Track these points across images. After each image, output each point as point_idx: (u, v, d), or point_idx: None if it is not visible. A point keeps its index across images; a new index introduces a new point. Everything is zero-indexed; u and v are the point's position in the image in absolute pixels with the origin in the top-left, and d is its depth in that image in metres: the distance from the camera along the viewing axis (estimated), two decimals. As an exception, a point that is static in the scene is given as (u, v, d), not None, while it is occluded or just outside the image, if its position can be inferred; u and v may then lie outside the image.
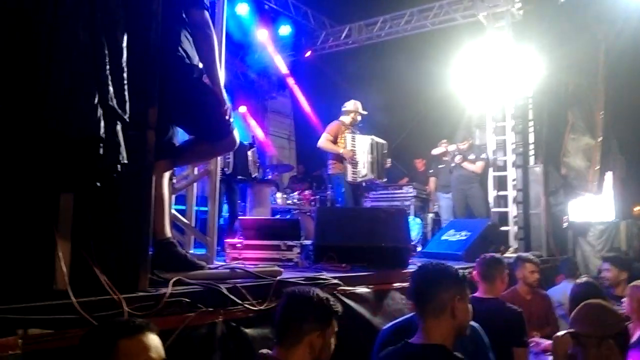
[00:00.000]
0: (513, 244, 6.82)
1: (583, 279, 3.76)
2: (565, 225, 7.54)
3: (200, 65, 2.42)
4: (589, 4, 7.52)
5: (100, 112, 1.65)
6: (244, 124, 10.71)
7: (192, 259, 2.38)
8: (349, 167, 5.67)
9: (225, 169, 5.48)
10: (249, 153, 5.72)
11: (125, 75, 1.80)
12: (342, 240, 3.64)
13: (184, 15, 2.37)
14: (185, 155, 2.50)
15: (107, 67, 1.70)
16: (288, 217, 6.58)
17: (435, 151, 7.67)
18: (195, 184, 2.98)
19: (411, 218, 7.17)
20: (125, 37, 1.82)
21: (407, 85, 8.64)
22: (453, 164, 7.12)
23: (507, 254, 5.66)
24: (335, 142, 5.78)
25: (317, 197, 8.13)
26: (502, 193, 7.16)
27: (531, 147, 7.44)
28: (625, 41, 7.39)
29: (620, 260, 4.56)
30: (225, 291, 2.17)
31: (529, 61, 7.06)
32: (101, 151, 1.66)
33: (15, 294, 1.65)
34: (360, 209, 5.29)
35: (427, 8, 8.26)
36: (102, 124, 1.65)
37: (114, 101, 1.71)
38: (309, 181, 9.19)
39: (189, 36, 2.39)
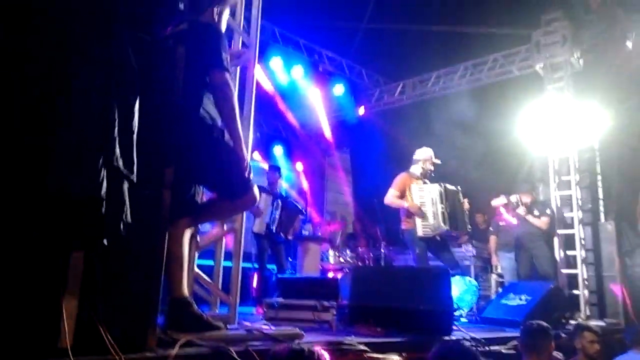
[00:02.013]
0: (584, 310, 6.21)
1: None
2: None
3: (220, 124, 2.48)
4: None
5: (104, 173, 1.70)
6: (299, 181, 10.92)
7: (208, 319, 2.34)
8: (419, 221, 5.20)
9: (272, 226, 5.54)
10: (298, 217, 5.76)
11: (134, 137, 1.87)
12: (378, 302, 3.47)
13: (206, 78, 2.47)
14: (207, 213, 2.53)
15: (116, 129, 1.77)
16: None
17: (495, 202, 7.15)
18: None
19: (467, 279, 6.78)
20: (137, 100, 1.90)
21: (464, 139, 8.44)
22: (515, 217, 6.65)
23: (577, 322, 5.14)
24: (403, 196, 5.36)
25: (372, 255, 7.96)
26: (570, 253, 6.61)
27: (601, 203, 6.90)
28: None
29: None
30: (234, 354, 2.09)
31: (592, 111, 6.70)
32: (103, 211, 1.69)
33: (20, 351, 1.68)
34: (399, 268, 5.06)
35: (482, 62, 8.18)
36: (105, 184, 1.70)
37: (120, 162, 1.76)
38: (365, 238, 9.03)
39: (210, 97, 2.48)
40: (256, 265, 5.72)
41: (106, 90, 1.78)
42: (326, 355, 1.76)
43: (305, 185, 10.38)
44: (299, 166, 10.81)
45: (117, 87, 1.84)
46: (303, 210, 6.36)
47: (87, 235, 1.74)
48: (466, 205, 5.60)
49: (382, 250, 7.72)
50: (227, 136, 2.48)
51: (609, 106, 6.74)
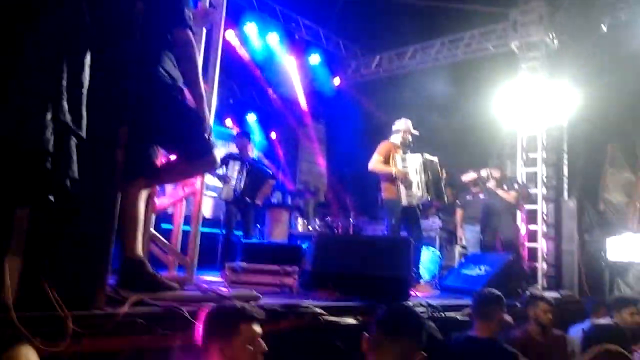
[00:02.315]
0: (541, 282, 6.45)
1: (601, 320, 3.45)
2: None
3: (181, 84, 2.43)
4: (634, 36, 7.18)
5: (50, 126, 1.66)
6: (272, 149, 10.88)
7: (162, 279, 2.35)
8: (403, 190, 5.14)
9: (237, 191, 5.52)
10: (268, 182, 5.73)
11: (84, 91, 1.82)
12: (339, 268, 3.52)
13: (168, 37, 2.40)
14: (165, 174, 2.51)
15: (64, 83, 1.72)
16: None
17: (466, 177, 7.20)
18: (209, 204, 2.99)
19: (431, 250, 6.93)
20: (88, 55, 1.85)
21: (437, 115, 8.49)
22: (484, 190, 6.77)
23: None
24: (387, 162, 5.27)
25: (340, 224, 8.05)
26: (532, 227, 6.82)
27: (565, 180, 7.09)
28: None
29: None
30: (186, 314, 2.11)
31: (564, 91, 6.80)
32: (49, 165, 1.66)
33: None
34: (361, 236, 5.10)
35: (458, 38, 8.18)
36: (52, 138, 1.66)
37: (68, 117, 1.72)
38: (336, 208, 9.12)
39: (171, 57, 2.42)
40: (224, 231, 5.71)
41: (55, 42, 1.73)
42: (260, 312, 1.81)
43: (279, 154, 10.34)
44: (273, 135, 10.75)
45: (67, 41, 1.78)
46: (274, 175, 6.31)
47: (32, 189, 1.71)
48: (444, 175, 5.63)
49: (351, 220, 7.82)
50: (188, 96, 2.44)
51: (580, 86, 6.85)
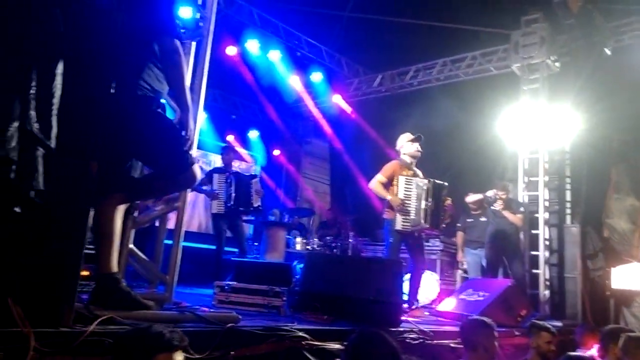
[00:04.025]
0: (543, 309, 6.27)
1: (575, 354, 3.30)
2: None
3: (162, 97, 2.39)
4: (638, 58, 7.12)
5: (17, 136, 1.61)
6: (277, 167, 10.86)
7: (136, 297, 2.27)
8: (399, 215, 4.97)
9: (229, 203, 5.49)
10: (252, 182, 5.71)
11: (55, 101, 1.77)
12: (328, 289, 3.43)
13: (154, 47, 2.36)
14: (144, 190, 2.44)
15: (31, 92, 1.67)
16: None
17: (470, 198, 6.97)
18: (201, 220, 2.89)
19: (430, 274, 6.79)
20: (60, 65, 1.80)
21: (439, 135, 8.42)
22: (489, 212, 6.59)
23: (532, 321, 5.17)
24: (390, 183, 5.10)
25: (339, 244, 7.93)
26: (534, 253, 6.66)
27: (568, 205, 6.96)
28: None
29: None
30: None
31: (566, 114, 6.73)
32: (12, 175, 1.60)
33: None
34: (352, 257, 4.99)
35: (460, 58, 8.16)
36: (17, 147, 1.60)
37: (35, 126, 1.67)
38: (337, 227, 8.99)
39: (154, 69, 2.38)
40: (215, 247, 5.66)
41: (23, 51, 1.68)
42: (183, 338, 1.64)
43: (281, 171, 10.31)
44: (276, 152, 10.72)
45: (37, 49, 1.73)
46: (254, 175, 6.36)
47: (-4, 200, 1.65)
48: (448, 203, 5.48)
49: (351, 240, 7.70)
50: (177, 108, 2.38)
51: (582, 109, 6.78)
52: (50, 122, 1.75)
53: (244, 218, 6.67)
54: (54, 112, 1.77)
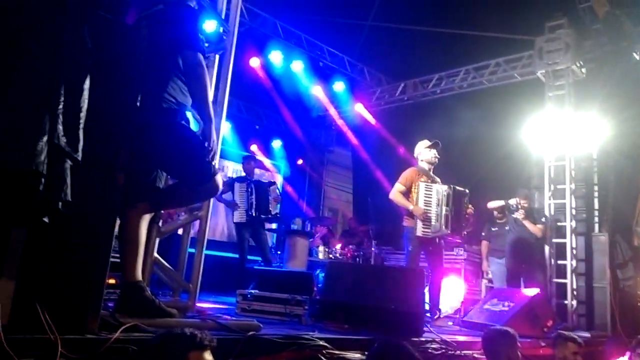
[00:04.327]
0: (571, 320, 6.12)
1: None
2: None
3: (187, 110, 2.46)
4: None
5: (45, 149, 1.68)
6: (300, 176, 10.92)
7: (160, 305, 2.32)
8: (419, 222, 4.98)
9: (250, 211, 5.57)
10: (270, 189, 5.78)
11: (82, 116, 1.84)
12: (349, 298, 3.43)
13: (178, 60, 2.44)
14: (168, 199, 2.51)
15: (60, 107, 1.74)
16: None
17: (492, 204, 6.90)
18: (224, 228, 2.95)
19: (454, 282, 6.72)
20: (88, 79, 1.88)
21: (463, 144, 8.35)
22: (510, 220, 6.51)
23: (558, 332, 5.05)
24: (409, 191, 5.14)
25: (362, 253, 7.91)
26: (561, 262, 6.52)
27: (596, 213, 6.80)
28: None
29: None
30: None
31: (592, 120, 6.60)
32: (41, 187, 1.67)
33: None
34: (373, 266, 4.97)
35: (483, 65, 8.09)
36: (45, 161, 1.68)
37: (63, 140, 1.74)
38: (359, 236, 8.98)
39: (179, 82, 2.45)
40: (238, 256, 5.73)
41: (52, 67, 1.76)
42: (213, 339, 1.74)
43: (305, 180, 10.37)
44: (300, 161, 10.79)
45: (66, 65, 1.81)
46: (272, 182, 6.56)
47: (25, 211, 1.72)
48: (470, 211, 5.43)
49: (373, 249, 7.68)
50: (200, 120, 2.45)
51: (609, 115, 6.63)
52: (77, 136, 1.83)
53: (267, 227, 6.75)
54: (81, 125, 1.84)
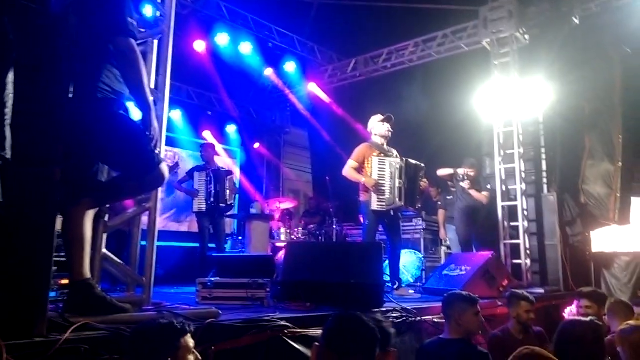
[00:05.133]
0: (526, 278, 6.41)
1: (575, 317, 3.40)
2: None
3: (125, 98, 2.37)
4: (604, 26, 7.21)
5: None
6: (260, 159, 10.83)
7: (112, 301, 2.27)
8: (374, 195, 5.02)
9: (209, 200, 5.51)
10: (227, 179, 5.73)
11: (7, 110, 1.75)
12: (310, 277, 3.46)
13: (111, 48, 2.33)
14: (112, 193, 2.43)
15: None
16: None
17: (442, 172, 6.97)
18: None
19: (411, 252, 6.89)
20: (11, 73, 1.78)
21: (416, 115, 8.46)
22: (460, 188, 6.70)
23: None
24: (362, 166, 5.16)
25: (324, 231, 7.97)
26: (513, 224, 6.78)
27: (544, 175, 7.08)
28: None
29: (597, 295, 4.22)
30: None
31: (538, 86, 6.80)
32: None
33: None
34: (331, 243, 5.02)
35: (431, 37, 8.17)
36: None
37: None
38: (321, 215, 9.02)
39: (114, 70, 2.35)
40: (199, 245, 5.68)
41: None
42: (189, 326, 1.72)
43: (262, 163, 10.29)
44: (256, 145, 10.69)
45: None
46: (229, 171, 6.54)
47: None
48: (424, 184, 5.51)
49: (335, 227, 7.75)
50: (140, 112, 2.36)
51: (554, 80, 6.85)
52: (3, 133, 1.74)
53: (227, 214, 6.70)
54: (7, 122, 1.75)
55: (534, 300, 3.99)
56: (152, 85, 2.92)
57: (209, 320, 2.38)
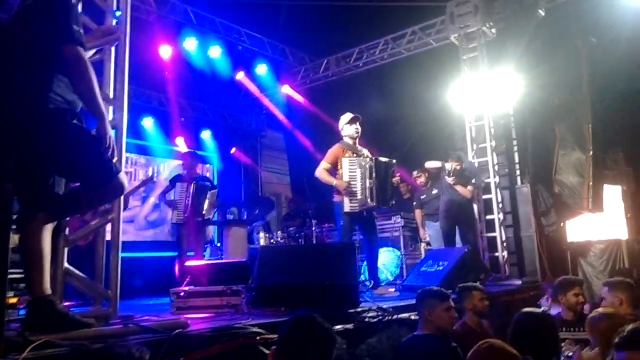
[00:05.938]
0: (503, 270, 6.47)
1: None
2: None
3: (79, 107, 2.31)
4: (568, 16, 7.33)
5: None
6: (237, 164, 10.75)
7: (74, 317, 2.20)
8: (346, 198, 4.99)
9: (185, 213, 5.41)
10: (209, 194, 5.62)
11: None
12: (284, 281, 3.42)
13: (59, 56, 2.26)
14: (70, 206, 2.36)
15: None
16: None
17: (430, 164, 6.96)
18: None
19: (389, 250, 6.90)
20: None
21: (391, 114, 8.50)
22: (442, 184, 6.70)
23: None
24: (335, 168, 5.13)
25: (303, 234, 7.93)
26: (489, 217, 6.85)
27: (517, 167, 7.17)
28: (615, 48, 7.10)
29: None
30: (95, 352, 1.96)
31: (507, 79, 6.88)
32: None
33: None
34: (306, 246, 4.99)
35: (400, 35, 8.21)
36: None
37: None
38: (301, 217, 8.98)
39: (65, 79, 2.28)
40: (176, 254, 5.59)
41: None
42: (146, 352, 1.61)
43: (239, 168, 10.20)
44: (233, 150, 10.60)
45: None
46: (214, 185, 6.35)
47: None
48: (396, 179, 5.52)
49: (314, 229, 7.71)
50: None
51: (522, 72, 6.94)
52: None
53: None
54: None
55: (483, 287, 4.05)
56: (111, 94, 2.85)
57: (177, 330, 2.33)
